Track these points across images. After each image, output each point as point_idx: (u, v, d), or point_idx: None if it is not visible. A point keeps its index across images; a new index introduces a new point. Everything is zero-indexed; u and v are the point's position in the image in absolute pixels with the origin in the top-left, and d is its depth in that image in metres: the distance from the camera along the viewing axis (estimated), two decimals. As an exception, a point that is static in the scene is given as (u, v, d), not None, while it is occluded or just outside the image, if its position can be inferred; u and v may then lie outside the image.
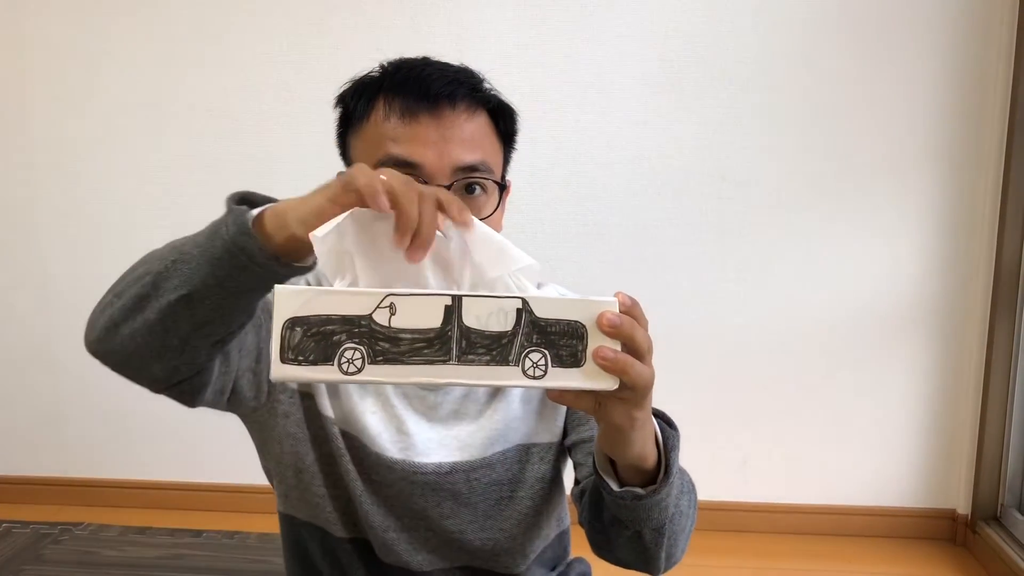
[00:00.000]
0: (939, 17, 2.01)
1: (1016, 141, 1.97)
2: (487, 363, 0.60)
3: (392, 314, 0.59)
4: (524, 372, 0.60)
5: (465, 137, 0.83)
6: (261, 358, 0.84)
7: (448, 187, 0.81)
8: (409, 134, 0.82)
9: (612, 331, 0.60)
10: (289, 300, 0.58)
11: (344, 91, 0.90)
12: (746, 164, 2.10)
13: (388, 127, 0.83)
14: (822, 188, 2.10)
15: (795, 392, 2.19)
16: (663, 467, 0.73)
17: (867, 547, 2.17)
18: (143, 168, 2.19)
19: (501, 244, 0.65)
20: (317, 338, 0.58)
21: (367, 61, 0.90)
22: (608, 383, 0.61)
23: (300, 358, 0.58)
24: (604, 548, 0.83)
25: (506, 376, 0.61)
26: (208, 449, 2.24)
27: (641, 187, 2.12)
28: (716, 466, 2.23)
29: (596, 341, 0.61)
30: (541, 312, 0.60)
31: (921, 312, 2.13)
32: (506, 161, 0.91)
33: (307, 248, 0.61)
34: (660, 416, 0.76)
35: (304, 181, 0.65)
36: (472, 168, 0.83)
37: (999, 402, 2.07)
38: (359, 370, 0.59)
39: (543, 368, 0.60)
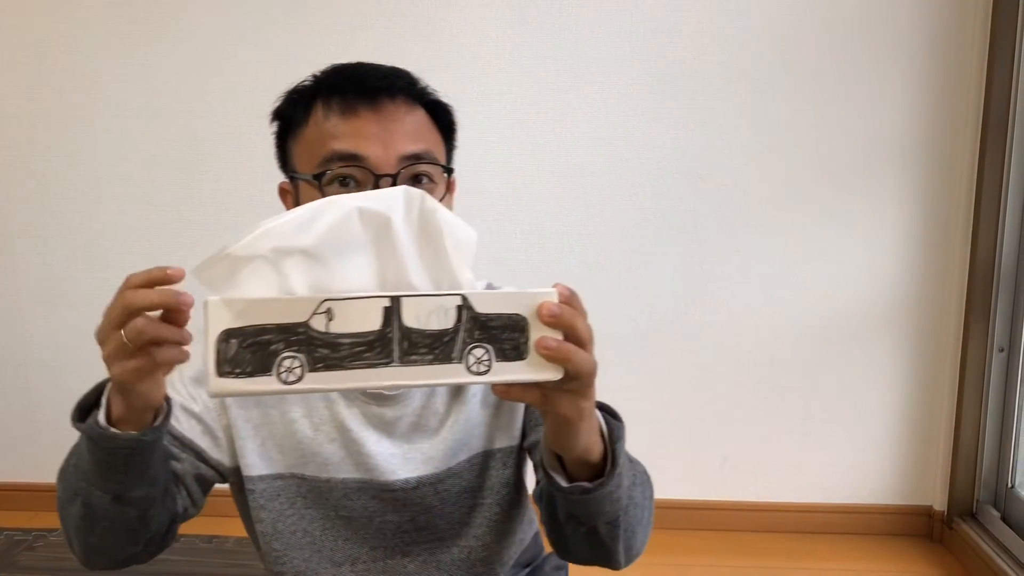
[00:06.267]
0: (915, 20, 2.02)
1: (989, 143, 2.00)
2: (430, 362, 0.59)
3: (330, 319, 0.58)
4: (468, 368, 0.60)
5: (407, 129, 0.83)
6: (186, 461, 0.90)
7: (395, 176, 0.81)
8: (351, 129, 0.82)
9: (553, 321, 0.61)
10: (222, 311, 0.56)
11: (278, 104, 0.90)
12: (725, 165, 2.11)
13: (329, 126, 0.83)
14: (800, 189, 2.12)
15: (774, 391, 2.20)
16: (610, 459, 0.73)
17: (845, 544, 2.18)
18: (118, 169, 2.16)
19: (457, 236, 0.64)
20: (254, 348, 0.56)
21: (347, 59, 0.90)
22: (552, 373, 0.62)
23: (237, 370, 0.56)
24: (563, 548, 0.82)
25: (450, 374, 0.60)
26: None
27: (620, 188, 2.12)
28: (695, 465, 2.23)
29: (537, 332, 0.61)
30: (481, 307, 0.60)
31: (897, 311, 2.15)
32: (448, 158, 0.91)
33: (155, 400, 0.67)
34: (604, 408, 0.76)
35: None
36: (417, 157, 0.83)
37: (974, 400, 2.09)
38: (299, 379, 0.57)
39: (487, 363, 0.60)
